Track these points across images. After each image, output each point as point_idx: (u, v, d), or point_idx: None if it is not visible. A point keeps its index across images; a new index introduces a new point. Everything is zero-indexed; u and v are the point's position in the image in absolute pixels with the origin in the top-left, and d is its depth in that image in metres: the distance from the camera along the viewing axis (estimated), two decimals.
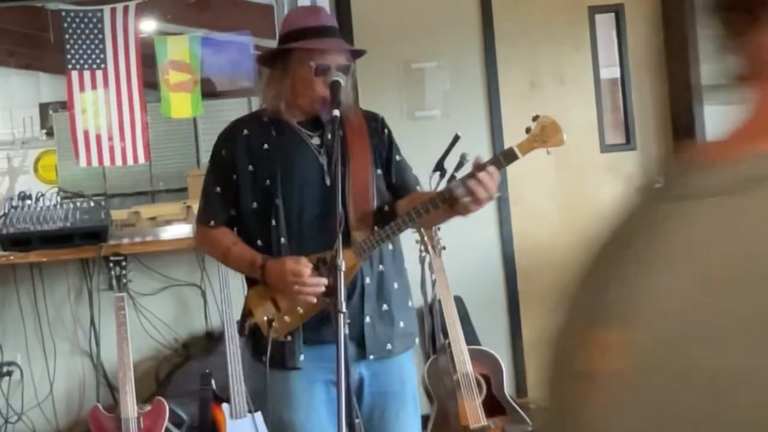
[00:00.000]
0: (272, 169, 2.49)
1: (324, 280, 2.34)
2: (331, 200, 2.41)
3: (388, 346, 2.52)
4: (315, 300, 2.36)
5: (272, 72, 2.57)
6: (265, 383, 2.48)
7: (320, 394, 2.47)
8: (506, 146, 4.84)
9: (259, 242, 2.51)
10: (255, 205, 2.51)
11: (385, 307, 2.51)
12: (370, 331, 2.48)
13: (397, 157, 2.63)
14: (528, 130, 2.44)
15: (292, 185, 2.47)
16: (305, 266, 2.35)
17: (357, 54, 2.61)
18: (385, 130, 2.64)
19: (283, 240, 2.46)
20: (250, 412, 3.90)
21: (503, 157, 2.42)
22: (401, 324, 2.56)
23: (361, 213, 2.48)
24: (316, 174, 2.49)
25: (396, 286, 2.56)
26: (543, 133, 2.42)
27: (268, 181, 2.49)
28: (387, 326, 2.52)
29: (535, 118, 2.44)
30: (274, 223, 2.47)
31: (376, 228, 2.47)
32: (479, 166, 2.36)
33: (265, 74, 2.65)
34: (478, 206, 2.36)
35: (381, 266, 2.52)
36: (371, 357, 2.49)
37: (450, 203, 2.37)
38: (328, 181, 2.46)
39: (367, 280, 2.48)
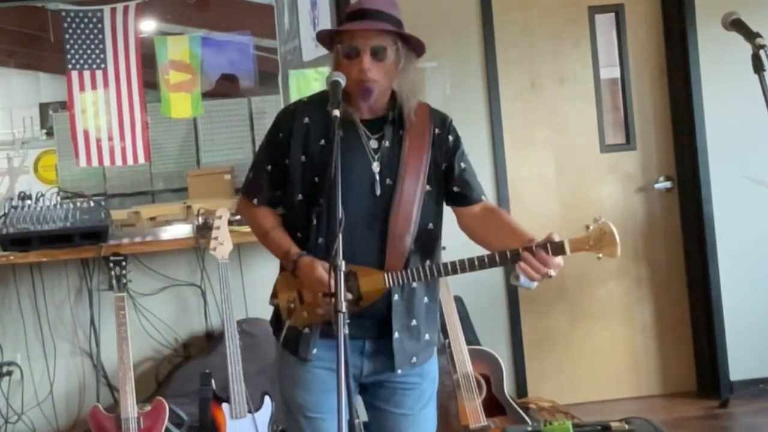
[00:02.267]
0: (323, 167, 2.37)
1: (348, 296, 2.23)
2: (376, 211, 2.39)
3: (414, 359, 2.50)
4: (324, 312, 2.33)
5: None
6: (286, 368, 2.49)
7: (332, 383, 2.37)
8: (507, 147, 4.89)
9: (298, 234, 2.47)
10: (300, 197, 2.45)
11: (414, 322, 2.48)
12: (399, 347, 2.46)
13: (462, 165, 2.52)
14: (587, 228, 2.35)
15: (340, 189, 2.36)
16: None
17: (411, 42, 2.47)
18: (450, 137, 2.51)
19: (320, 240, 2.42)
20: (250, 412, 3.90)
21: (551, 248, 2.31)
22: (426, 336, 2.53)
23: (399, 234, 2.42)
24: (365, 182, 2.41)
25: (426, 300, 2.52)
26: (600, 241, 2.32)
27: (317, 178, 2.42)
28: (414, 340, 2.49)
29: (596, 220, 2.34)
30: (314, 221, 2.42)
31: (426, 263, 2.44)
32: (530, 248, 2.33)
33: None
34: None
35: (414, 284, 2.46)
36: (399, 371, 2.48)
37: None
38: (378, 191, 2.41)
39: (395, 297, 2.44)
